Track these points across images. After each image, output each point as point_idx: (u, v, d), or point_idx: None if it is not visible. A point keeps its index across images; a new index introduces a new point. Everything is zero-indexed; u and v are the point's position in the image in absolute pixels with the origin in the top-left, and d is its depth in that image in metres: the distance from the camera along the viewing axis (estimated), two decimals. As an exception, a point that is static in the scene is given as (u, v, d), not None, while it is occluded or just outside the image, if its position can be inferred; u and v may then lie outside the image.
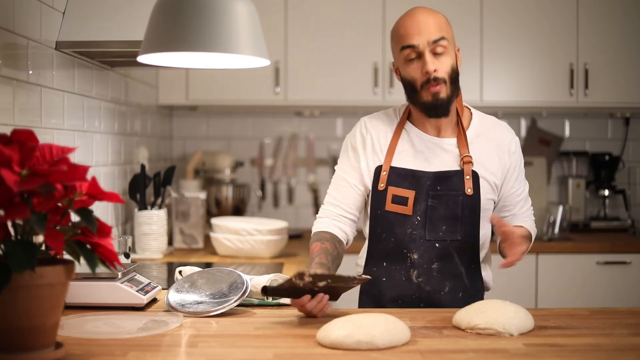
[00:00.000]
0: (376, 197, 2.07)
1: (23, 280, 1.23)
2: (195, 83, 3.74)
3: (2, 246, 1.25)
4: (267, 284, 1.78)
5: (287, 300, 1.95)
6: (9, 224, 1.26)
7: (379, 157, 2.09)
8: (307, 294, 1.73)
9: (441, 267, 2.03)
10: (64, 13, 2.33)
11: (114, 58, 2.60)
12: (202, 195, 3.35)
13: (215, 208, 3.81)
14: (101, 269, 1.35)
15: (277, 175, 4.19)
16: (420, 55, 1.99)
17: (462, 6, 3.75)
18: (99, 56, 2.55)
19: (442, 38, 1.98)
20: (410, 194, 2.03)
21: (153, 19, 1.74)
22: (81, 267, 1.39)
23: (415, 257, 2.03)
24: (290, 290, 1.72)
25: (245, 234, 3.04)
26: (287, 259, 3.03)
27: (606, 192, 4.10)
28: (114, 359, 1.40)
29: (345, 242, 2.12)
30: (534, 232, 2.14)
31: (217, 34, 1.68)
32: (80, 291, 1.82)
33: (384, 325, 1.51)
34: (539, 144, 4.17)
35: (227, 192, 3.83)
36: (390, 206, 2.04)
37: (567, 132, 4.23)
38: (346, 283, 1.77)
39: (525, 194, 2.16)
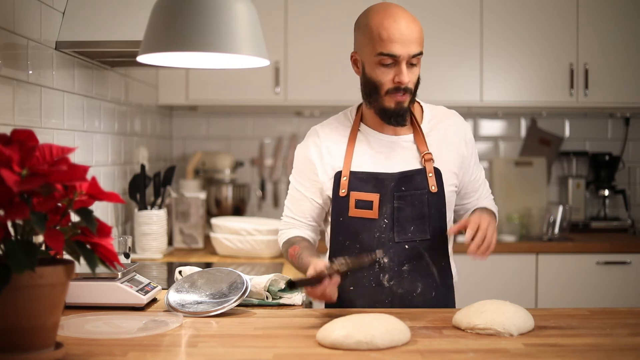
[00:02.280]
0: (338, 204, 2.02)
1: (23, 280, 1.23)
2: (195, 83, 3.74)
3: (2, 246, 1.25)
4: (292, 279, 1.75)
5: (286, 300, 1.95)
6: (9, 224, 1.26)
7: (337, 164, 2.04)
8: (327, 278, 1.72)
9: (412, 269, 1.99)
10: (64, 13, 2.33)
11: (114, 58, 2.60)
12: (202, 195, 3.35)
13: (215, 208, 3.81)
14: (101, 269, 1.35)
15: (277, 175, 4.19)
16: (395, 63, 1.93)
17: (462, 6, 3.75)
18: (99, 56, 2.55)
19: (421, 53, 1.94)
20: (374, 197, 1.99)
21: (153, 19, 1.74)
22: (81, 267, 1.39)
23: (385, 260, 1.99)
24: (315, 279, 1.72)
25: (245, 234, 3.04)
26: (287, 259, 3.03)
27: (606, 192, 4.10)
28: (114, 359, 1.40)
29: (315, 244, 2.12)
30: (495, 209, 2.16)
31: (217, 34, 1.68)
32: (80, 291, 1.82)
33: (384, 326, 1.51)
34: (539, 144, 4.17)
35: (227, 192, 3.83)
36: (354, 211, 2.00)
37: (567, 132, 4.23)
38: (360, 264, 1.79)
39: (483, 177, 2.18)
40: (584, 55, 3.76)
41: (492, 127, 4.22)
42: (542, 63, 3.77)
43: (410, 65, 1.94)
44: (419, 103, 2.10)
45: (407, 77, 1.93)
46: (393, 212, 1.98)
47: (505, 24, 3.76)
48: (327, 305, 2.10)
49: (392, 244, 1.99)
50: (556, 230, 3.71)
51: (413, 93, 1.98)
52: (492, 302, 1.68)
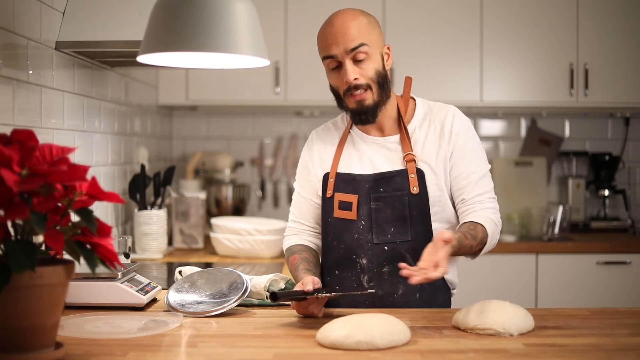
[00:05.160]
0: (326, 205, 2.06)
1: (23, 280, 1.23)
2: (195, 83, 3.74)
3: (2, 246, 1.25)
4: (275, 290, 1.78)
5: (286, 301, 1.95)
6: (9, 224, 1.26)
7: (326, 166, 2.08)
8: (313, 297, 1.74)
9: (393, 270, 1.96)
10: (64, 13, 2.33)
11: (114, 58, 2.60)
12: (202, 195, 3.35)
13: (215, 208, 3.81)
14: (101, 269, 1.35)
15: (277, 175, 4.19)
16: (340, 64, 1.95)
17: (462, 6, 3.75)
18: (99, 56, 2.55)
19: (362, 44, 1.91)
20: (353, 198, 2.00)
21: (153, 19, 1.74)
22: (81, 267, 1.39)
23: (364, 262, 1.99)
24: (298, 295, 1.74)
25: (245, 234, 3.04)
26: (287, 259, 3.03)
27: (606, 192, 4.10)
28: (114, 359, 1.40)
29: (317, 251, 2.13)
30: (486, 223, 1.91)
31: (217, 34, 1.68)
32: (80, 291, 1.82)
33: (384, 326, 1.51)
34: (539, 144, 4.17)
35: (227, 192, 3.83)
36: (337, 212, 2.02)
37: (567, 132, 4.23)
38: (350, 292, 1.82)
39: (477, 177, 1.98)
40: (584, 55, 3.76)
41: (492, 127, 4.22)
42: (542, 63, 3.77)
43: (357, 61, 1.94)
44: (414, 100, 2.09)
45: (352, 74, 1.93)
46: (370, 213, 1.98)
47: (505, 24, 3.76)
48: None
49: (370, 245, 1.99)
50: (556, 230, 3.71)
51: (379, 88, 1.96)
52: (492, 302, 1.67)
